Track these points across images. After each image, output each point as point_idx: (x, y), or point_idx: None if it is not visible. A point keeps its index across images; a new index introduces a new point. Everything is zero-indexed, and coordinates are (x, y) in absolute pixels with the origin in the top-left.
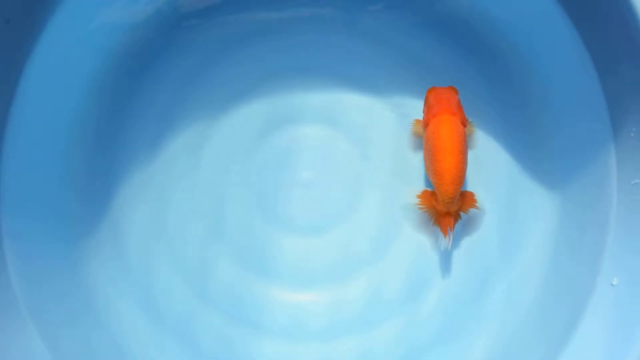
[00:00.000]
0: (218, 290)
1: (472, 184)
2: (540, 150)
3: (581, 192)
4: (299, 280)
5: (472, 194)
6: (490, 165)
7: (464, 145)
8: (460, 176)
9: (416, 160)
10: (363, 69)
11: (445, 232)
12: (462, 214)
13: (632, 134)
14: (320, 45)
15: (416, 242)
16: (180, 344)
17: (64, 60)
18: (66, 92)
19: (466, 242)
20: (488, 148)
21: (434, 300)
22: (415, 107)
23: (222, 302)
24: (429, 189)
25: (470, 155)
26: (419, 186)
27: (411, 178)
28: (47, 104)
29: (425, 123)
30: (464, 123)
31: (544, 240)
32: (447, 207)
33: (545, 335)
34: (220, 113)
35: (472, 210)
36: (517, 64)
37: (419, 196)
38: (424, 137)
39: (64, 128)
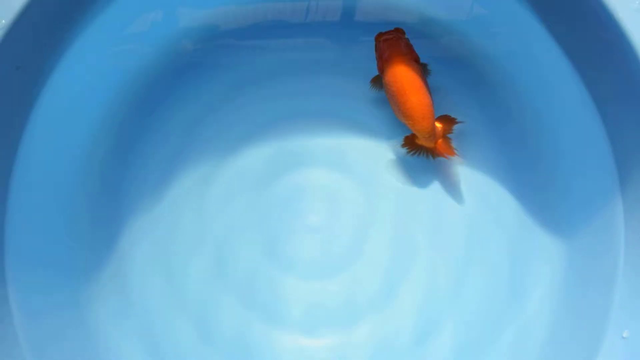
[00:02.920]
0: (222, 332)
1: (479, 226)
2: (547, 198)
3: (589, 241)
4: (305, 324)
5: (447, 116)
6: (496, 207)
7: (422, 80)
8: (429, 109)
9: (422, 204)
10: (371, 115)
11: (451, 154)
12: (450, 135)
13: (639, 188)
14: (325, 90)
15: (424, 285)
16: None
17: (69, 105)
18: (71, 138)
19: (476, 283)
20: (494, 190)
21: (444, 344)
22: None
23: (226, 344)
24: (408, 134)
25: (477, 196)
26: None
27: (417, 222)
28: (52, 150)
29: (381, 71)
30: (418, 60)
31: (552, 286)
32: (432, 140)
33: None
34: (226, 156)
35: (458, 127)
36: (527, 113)
37: (403, 145)
38: (385, 86)
39: (69, 173)
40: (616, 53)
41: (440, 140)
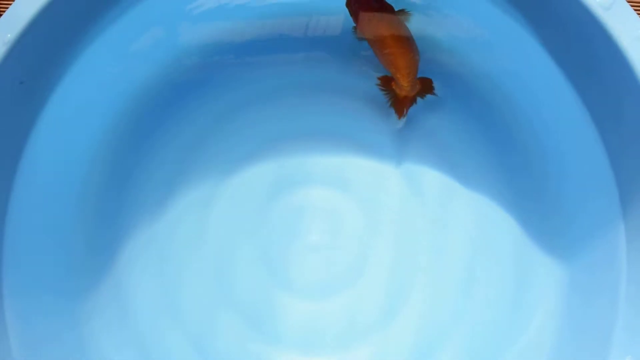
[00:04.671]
0: (224, 353)
1: (481, 246)
2: (549, 224)
3: (591, 265)
4: (303, 344)
5: (430, 81)
6: (498, 229)
7: (403, 30)
8: (413, 62)
9: (424, 224)
10: (371, 134)
11: (400, 115)
12: (419, 99)
13: None
14: (327, 109)
15: (425, 306)
16: None
17: (70, 123)
18: (71, 157)
19: (477, 304)
20: (496, 212)
21: None
22: (423, 172)
23: None
24: (387, 75)
25: (478, 217)
26: None
27: (419, 242)
28: (51, 169)
29: (362, 30)
30: (393, 11)
31: (555, 308)
32: (407, 92)
33: None
34: (228, 176)
35: (429, 96)
36: (529, 136)
37: (379, 78)
38: (368, 42)
39: (68, 194)
40: (617, 77)
41: (410, 97)
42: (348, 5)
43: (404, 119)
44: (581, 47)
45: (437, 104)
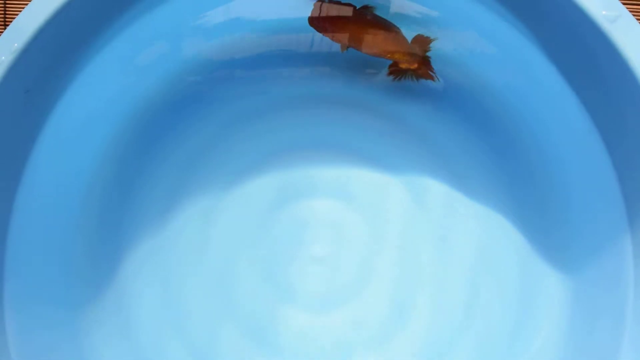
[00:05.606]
0: None
1: (485, 262)
2: (553, 237)
3: (596, 282)
4: (307, 358)
5: (420, 36)
6: (501, 245)
7: (368, 17)
8: (396, 42)
9: (428, 238)
10: (376, 146)
11: (433, 77)
12: (429, 54)
13: None
14: (331, 121)
15: (428, 321)
16: None
17: (73, 135)
18: (73, 167)
19: (480, 321)
20: (501, 227)
21: None
22: (427, 184)
23: None
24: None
25: (484, 231)
26: None
27: (423, 256)
28: (54, 181)
29: (337, 39)
30: (354, 9)
31: (559, 324)
32: (413, 60)
33: None
34: (231, 186)
35: (434, 44)
36: (533, 147)
37: (389, 73)
38: (352, 46)
39: (70, 206)
40: (623, 89)
41: (420, 61)
42: (312, 24)
43: (436, 76)
44: (586, 59)
45: (442, 115)
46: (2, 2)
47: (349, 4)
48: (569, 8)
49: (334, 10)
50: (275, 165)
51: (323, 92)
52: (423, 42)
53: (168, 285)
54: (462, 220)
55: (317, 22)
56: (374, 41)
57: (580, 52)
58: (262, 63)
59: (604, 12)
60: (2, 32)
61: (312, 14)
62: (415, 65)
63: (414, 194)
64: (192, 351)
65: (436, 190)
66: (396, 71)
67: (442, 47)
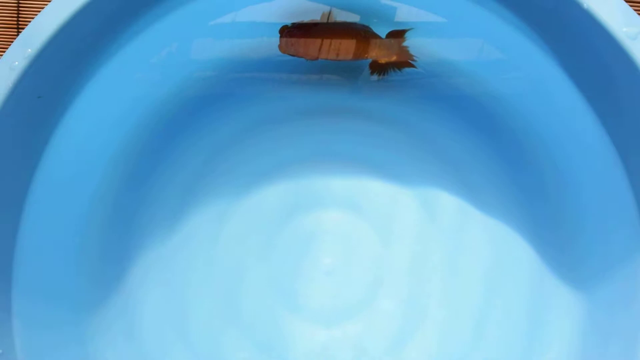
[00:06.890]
0: None
1: (496, 278)
2: (566, 255)
3: (609, 303)
4: None
5: (394, 30)
6: (512, 261)
7: (339, 29)
8: (368, 41)
9: (438, 253)
10: (386, 156)
11: (414, 65)
12: (405, 44)
13: None
14: (343, 130)
15: (437, 337)
16: None
17: (85, 136)
18: (86, 169)
19: (491, 337)
20: (513, 241)
21: None
22: (438, 195)
23: None
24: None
25: (494, 247)
26: None
27: (433, 271)
28: (65, 182)
29: (312, 55)
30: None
31: (571, 343)
32: (391, 52)
33: None
34: (241, 194)
35: (411, 32)
36: (546, 161)
37: (372, 72)
38: (330, 59)
39: (81, 207)
40: None
41: (398, 52)
42: (285, 52)
43: (414, 60)
44: (603, 75)
45: (452, 125)
46: (16, 7)
47: (314, 23)
48: (588, 23)
49: (299, 33)
50: (285, 174)
51: (331, 101)
52: (398, 34)
53: (174, 292)
54: (474, 234)
55: (287, 47)
56: (347, 47)
57: (597, 67)
58: (278, 68)
59: (625, 29)
60: (15, 37)
61: (280, 44)
62: (394, 57)
63: (425, 205)
64: (195, 354)
65: (447, 201)
66: (377, 67)
67: (454, 56)
